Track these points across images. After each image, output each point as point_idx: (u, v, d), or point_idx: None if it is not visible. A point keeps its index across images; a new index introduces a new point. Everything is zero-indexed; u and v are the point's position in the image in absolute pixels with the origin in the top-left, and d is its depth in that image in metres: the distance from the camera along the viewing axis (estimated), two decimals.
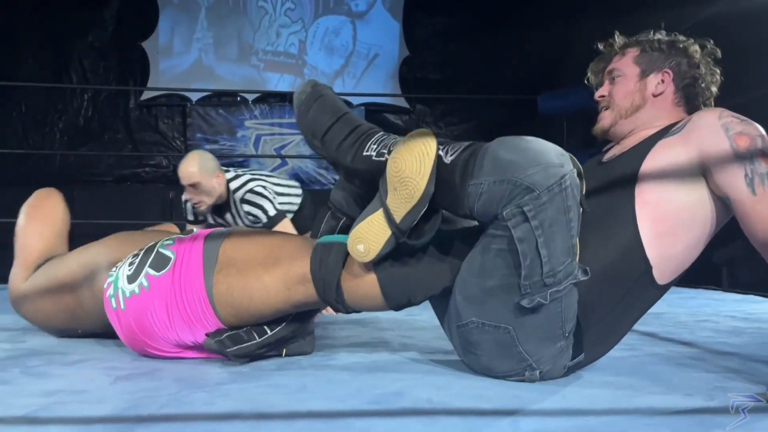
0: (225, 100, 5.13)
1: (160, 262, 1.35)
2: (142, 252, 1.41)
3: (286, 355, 1.43)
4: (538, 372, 1.19)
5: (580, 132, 4.17)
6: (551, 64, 4.83)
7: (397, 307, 1.29)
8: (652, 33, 1.41)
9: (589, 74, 1.51)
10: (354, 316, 2.11)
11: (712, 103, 1.37)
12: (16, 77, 4.75)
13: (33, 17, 4.84)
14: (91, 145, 4.95)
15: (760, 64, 3.03)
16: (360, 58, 5.24)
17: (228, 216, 2.86)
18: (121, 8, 5.00)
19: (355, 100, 5.08)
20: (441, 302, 1.32)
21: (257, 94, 5.08)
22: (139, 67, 5.05)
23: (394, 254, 1.23)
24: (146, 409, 1.00)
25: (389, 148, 1.24)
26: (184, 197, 2.81)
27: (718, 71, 1.38)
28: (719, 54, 1.38)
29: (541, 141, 1.12)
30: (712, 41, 1.39)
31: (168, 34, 5.06)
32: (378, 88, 5.15)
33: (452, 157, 1.16)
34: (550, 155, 1.09)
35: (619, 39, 1.44)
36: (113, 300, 1.37)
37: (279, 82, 5.16)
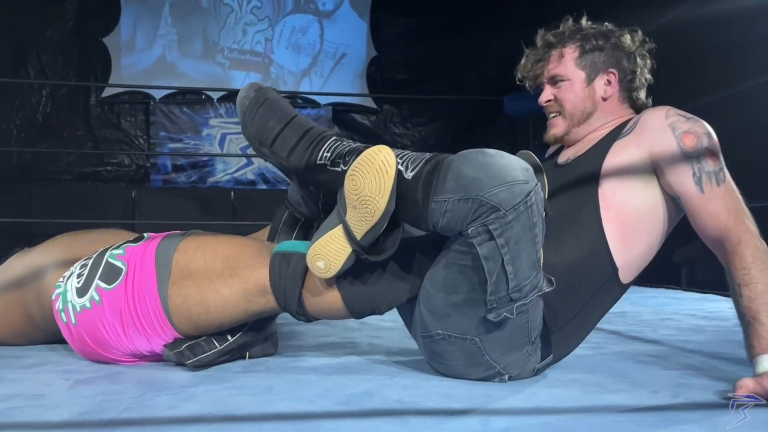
0: (189, 98, 5.05)
1: (111, 274, 1.30)
2: (90, 261, 1.35)
3: (250, 358, 1.40)
4: (507, 376, 1.20)
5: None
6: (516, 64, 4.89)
7: (361, 318, 1.29)
8: (577, 24, 1.37)
9: (520, 76, 1.44)
10: None
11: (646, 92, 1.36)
12: None
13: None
14: (50, 143, 4.81)
15: (725, 64, 3.11)
16: (327, 57, 5.21)
17: None
18: (82, 2, 4.87)
19: (321, 100, 5.06)
20: (407, 307, 1.31)
21: (223, 92, 5.01)
22: (101, 63, 4.93)
23: (356, 267, 1.20)
24: (107, 414, 0.97)
25: (344, 157, 1.20)
26: None
27: (648, 56, 1.36)
28: (643, 36, 1.36)
29: (504, 155, 1.10)
30: (637, 28, 1.37)
31: (130, 30, 4.95)
32: (345, 87, 5.13)
33: (413, 172, 1.13)
34: (515, 172, 1.07)
35: (547, 37, 1.39)
36: (63, 314, 1.33)
37: (245, 80, 5.09)
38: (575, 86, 1.34)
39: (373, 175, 1.11)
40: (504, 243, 1.07)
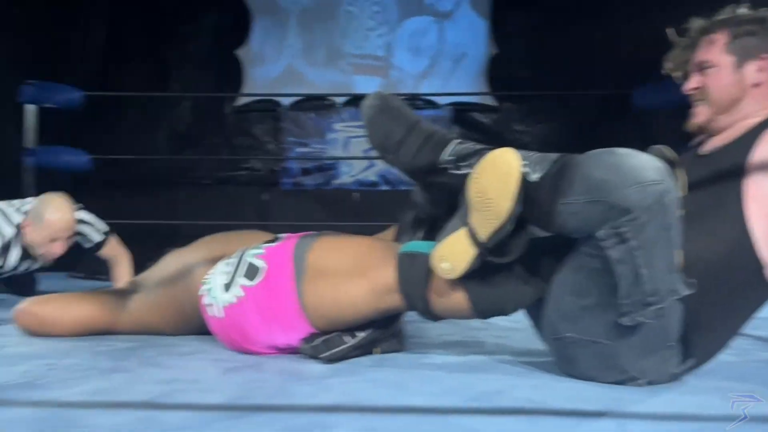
0: (315, 104, 5.26)
1: (252, 272, 1.41)
2: (234, 260, 1.47)
3: (381, 353, 1.45)
4: (642, 381, 1.15)
5: (679, 127, 3.97)
6: (647, 56, 4.63)
7: (486, 318, 1.29)
8: (733, 10, 1.29)
9: (668, 66, 1.39)
10: None
11: None
12: (124, 87, 5.08)
13: (139, 31, 5.16)
14: (192, 150, 5.22)
15: None
16: (446, 58, 5.22)
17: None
18: (218, 19, 5.23)
19: (441, 100, 5.08)
20: (534, 308, 1.30)
21: (346, 98, 5.18)
22: (234, 75, 5.27)
23: (482, 268, 1.21)
24: (255, 399, 1.05)
25: (468, 160, 1.21)
26: (45, 253, 2.33)
27: None
28: None
29: (636, 154, 1.06)
30: None
31: (260, 42, 5.25)
32: (465, 87, 5.12)
33: (538, 174, 1.12)
34: (647, 172, 1.03)
35: (698, 23, 1.32)
36: (210, 309, 1.46)
37: (367, 85, 5.23)
38: (722, 72, 1.27)
39: (497, 178, 1.11)
40: (637, 246, 1.03)
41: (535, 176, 1.13)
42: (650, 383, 1.15)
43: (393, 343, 1.48)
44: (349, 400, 1.06)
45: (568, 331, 1.16)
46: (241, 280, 1.41)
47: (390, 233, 1.62)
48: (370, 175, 5.22)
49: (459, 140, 1.28)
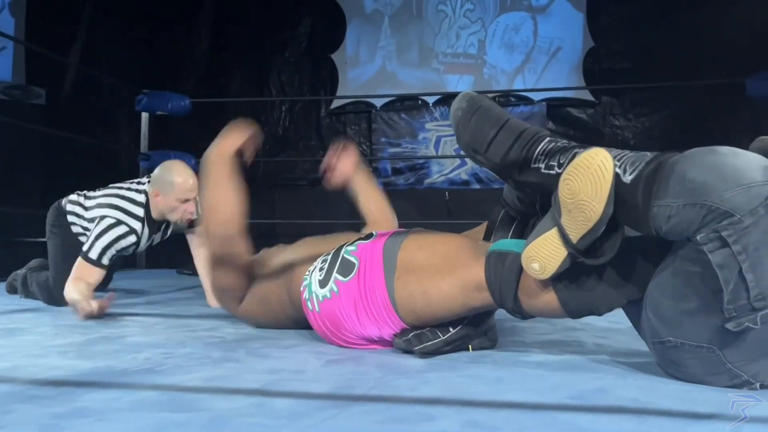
0: (407, 104, 5.31)
1: (346, 268, 1.46)
2: (329, 257, 1.54)
3: (472, 350, 1.46)
4: (758, 384, 1.09)
5: None
6: (758, 42, 4.32)
7: (578, 318, 1.27)
8: None
9: None
10: None
11: None
12: (226, 93, 5.35)
13: (239, 39, 5.41)
14: (289, 152, 5.40)
15: None
16: (541, 53, 5.12)
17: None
18: (314, 24, 5.39)
19: (535, 96, 4.98)
20: (633, 308, 1.26)
21: (438, 96, 5.19)
22: (329, 78, 5.41)
23: (573, 268, 1.19)
24: (357, 390, 1.09)
25: (558, 160, 1.19)
26: (180, 217, 2.39)
27: None
28: None
29: (739, 154, 1.01)
30: None
31: (354, 45, 5.36)
32: (561, 82, 4.99)
33: (632, 175, 1.08)
34: (752, 173, 0.97)
35: None
36: (309, 303, 1.53)
37: (458, 83, 5.22)
38: None
39: (589, 179, 1.08)
40: (741, 250, 0.98)
41: (628, 177, 1.09)
42: (763, 386, 1.09)
43: (484, 341, 1.49)
44: (450, 393, 1.07)
45: (669, 335, 1.12)
46: (336, 276, 1.47)
47: (479, 230, 1.62)
48: (462, 174, 5.20)
49: (550, 137, 1.26)
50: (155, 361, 1.34)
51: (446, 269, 1.36)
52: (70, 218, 2.49)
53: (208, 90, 5.16)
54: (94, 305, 1.98)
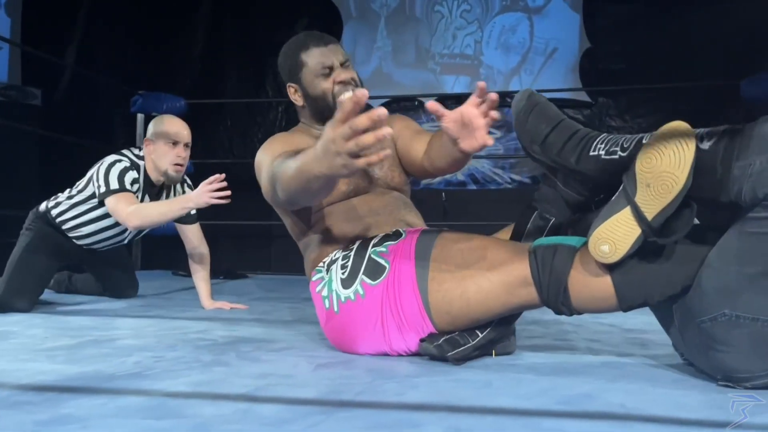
0: (403, 104, 5.30)
1: (375, 271, 1.39)
2: (352, 254, 1.45)
3: (496, 355, 1.43)
4: None
5: None
6: (753, 44, 4.33)
7: (629, 309, 1.24)
8: None
9: None
10: (533, 316, 2.08)
11: None
12: (222, 94, 5.34)
13: (235, 39, 5.40)
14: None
15: None
16: (537, 53, 5.11)
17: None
18: (310, 25, 5.39)
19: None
20: (665, 302, 1.25)
21: (434, 97, 5.18)
22: None
23: (629, 255, 1.18)
24: (345, 395, 1.08)
25: (622, 145, 1.21)
26: (170, 161, 2.40)
27: None
28: None
29: None
30: None
31: (351, 46, 5.35)
32: (557, 83, 4.99)
33: (710, 142, 1.11)
34: None
35: None
36: (327, 301, 1.45)
37: (455, 84, 5.22)
38: None
39: (672, 150, 1.11)
40: None
41: (706, 144, 1.11)
42: None
43: (507, 345, 1.45)
44: (436, 399, 1.07)
45: (725, 307, 1.10)
46: (363, 278, 1.40)
47: (505, 233, 1.54)
48: (458, 175, 5.20)
49: (607, 134, 1.29)
50: (144, 365, 1.33)
51: (486, 265, 1.30)
52: (54, 211, 2.45)
53: (204, 91, 5.15)
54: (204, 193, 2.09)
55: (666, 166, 1.10)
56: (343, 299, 1.42)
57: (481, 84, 1.26)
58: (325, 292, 1.47)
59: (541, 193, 1.42)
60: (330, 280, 1.46)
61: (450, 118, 1.29)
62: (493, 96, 1.26)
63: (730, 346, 1.11)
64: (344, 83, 1.65)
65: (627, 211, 1.16)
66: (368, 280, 1.39)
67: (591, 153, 1.25)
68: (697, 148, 1.10)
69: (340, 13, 5.36)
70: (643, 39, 4.86)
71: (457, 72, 5.24)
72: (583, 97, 5.03)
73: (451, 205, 5.00)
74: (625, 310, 1.24)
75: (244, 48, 5.38)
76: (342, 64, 1.68)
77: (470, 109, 1.27)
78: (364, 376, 1.23)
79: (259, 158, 1.66)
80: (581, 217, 1.36)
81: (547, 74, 5.06)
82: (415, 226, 1.61)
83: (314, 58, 1.67)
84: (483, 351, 1.39)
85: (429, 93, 5.19)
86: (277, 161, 1.47)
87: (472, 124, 1.27)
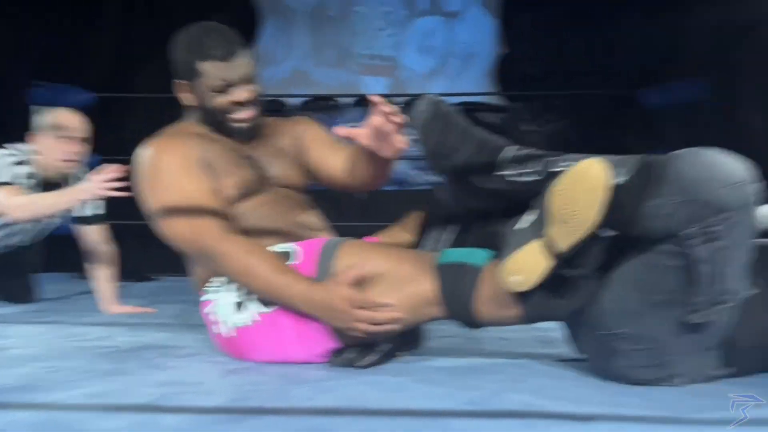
0: (321, 104, 5.27)
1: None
2: None
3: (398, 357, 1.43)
4: (682, 380, 1.16)
5: (685, 126, 3.94)
6: (655, 56, 4.59)
7: (533, 323, 1.28)
8: None
9: None
10: None
11: None
12: (135, 89, 5.10)
13: (150, 33, 5.16)
14: None
15: None
16: (455, 57, 5.22)
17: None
18: (227, 21, 5.25)
19: (449, 101, 5.06)
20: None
21: (353, 98, 5.18)
22: None
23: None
24: (253, 402, 1.06)
25: (531, 167, 1.22)
26: (58, 156, 2.26)
27: None
28: None
29: (724, 154, 1.08)
30: None
31: (269, 43, 5.26)
32: (474, 87, 5.11)
33: (624, 177, 1.12)
34: (739, 171, 1.05)
35: None
36: (221, 326, 1.39)
37: (375, 85, 5.24)
38: None
39: (586, 190, 1.09)
40: (724, 246, 1.05)
41: (619, 179, 1.12)
42: (685, 383, 1.16)
43: (411, 346, 1.47)
44: (348, 402, 1.06)
45: (625, 326, 1.15)
46: (256, 306, 1.35)
47: (400, 229, 1.55)
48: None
49: (517, 147, 1.28)
50: (35, 376, 1.24)
51: (391, 284, 1.28)
52: None
53: (117, 85, 4.92)
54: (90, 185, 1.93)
55: (579, 205, 1.10)
56: (239, 324, 1.36)
57: (373, 98, 1.29)
58: (217, 318, 1.40)
59: (442, 197, 1.44)
60: (221, 305, 1.39)
61: (363, 134, 1.33)
62: (376, 99, 1.31)
63: (625, 358, 1.17)
64: (240, 104, 1.54)
65: (538, 243, 1.17)
66: (263, 308, 1.34)
67: (501, 172, 1.26)
68: (613, 186, 1.10)
69: (259, 10, 5.26)
70: (558, 45, 5.06)
71: (377, 73, 5.27)
72: (498, 101, 5.17)
73: (370, 204, 5.01)
74: (529, 324, 1.29)
75: (159, 42, 5.18)
76: (243, 80, 1.54)
77: (376, 119, 1.30)
78: (275, 382, 1.20)
79: (159, 191, 1.53)
80: (484, 224, 1.37)
81: (465, 78, 5.17)
82: (313, 228, 1.55)
83: (212, 71, 1.52)
84: (390, 357, 1.39)
85: (348, 93, 5.18)
86: (215, 227, 1.39)
87: (384, 131, 1.30)
